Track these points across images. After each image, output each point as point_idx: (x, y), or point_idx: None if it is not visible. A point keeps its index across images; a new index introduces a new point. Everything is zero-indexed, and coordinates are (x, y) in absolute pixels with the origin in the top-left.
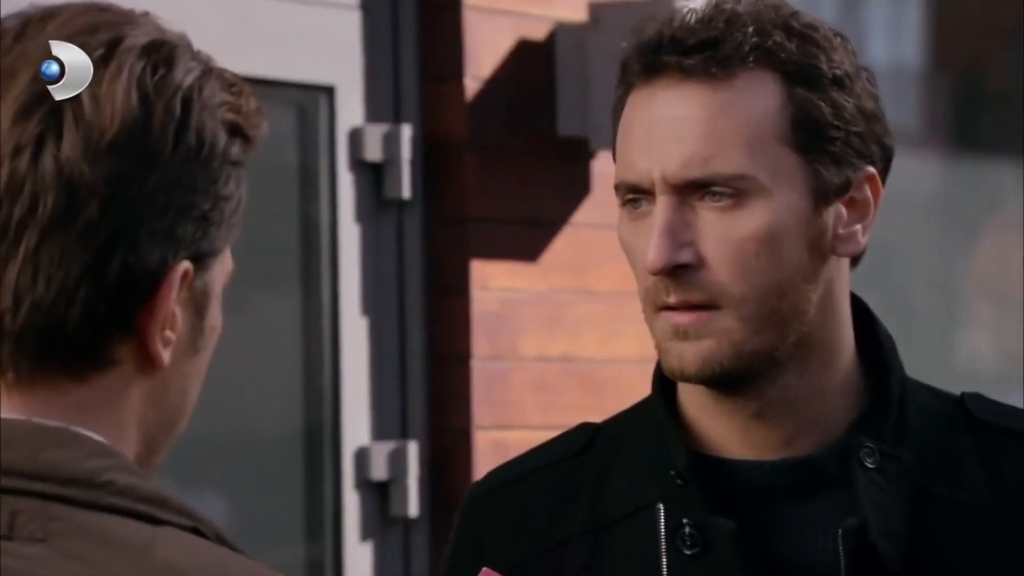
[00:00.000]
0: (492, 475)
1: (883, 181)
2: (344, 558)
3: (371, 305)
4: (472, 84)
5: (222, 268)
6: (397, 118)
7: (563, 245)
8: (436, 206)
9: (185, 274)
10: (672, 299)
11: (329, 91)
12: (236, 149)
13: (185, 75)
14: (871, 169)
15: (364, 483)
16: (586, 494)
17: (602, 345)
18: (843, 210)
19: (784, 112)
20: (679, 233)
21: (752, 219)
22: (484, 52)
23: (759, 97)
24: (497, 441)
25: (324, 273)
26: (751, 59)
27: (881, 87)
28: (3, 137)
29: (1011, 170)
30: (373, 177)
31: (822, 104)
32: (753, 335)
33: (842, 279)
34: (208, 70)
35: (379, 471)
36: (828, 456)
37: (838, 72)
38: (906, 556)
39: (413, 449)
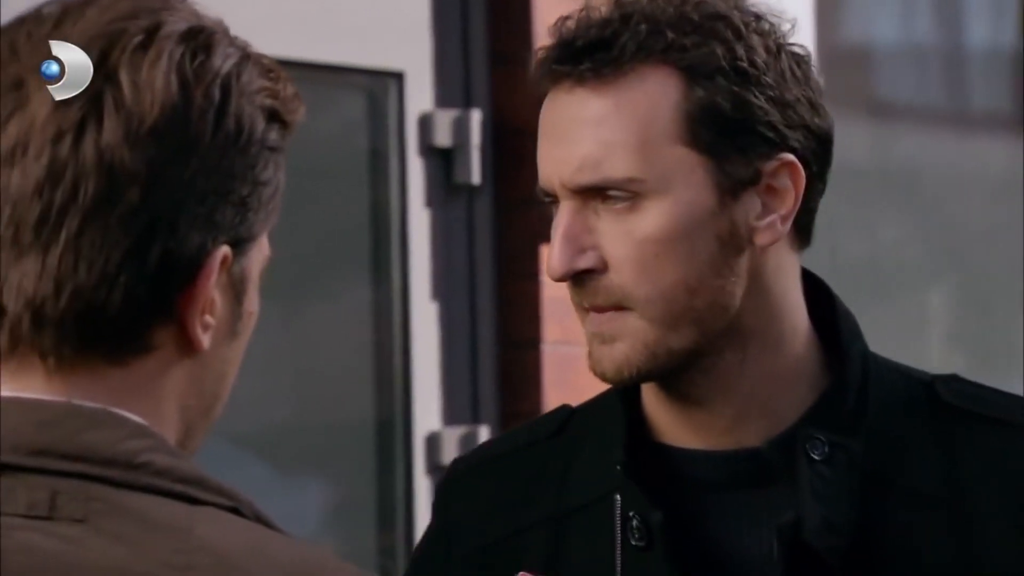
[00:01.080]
0: (470, 456)
1: (819, 164)
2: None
3: (441, 291)
4: None
5: (260, 253)
6: (467, 103)
7: None
8: (506, 191)
9: (224, 259)
10: (584, 303)
11: (399, 77)
12: (274, 135)
13: (224, 61)
14: (788, 156)
15: (435, 468)
16: (553, 480)
17: None
18: (758, 200)
19: (679, 110)
20: (580, 238)
21: (649, 220)
22: None
23: (649, 97)
24: None
25: (394, 259)
26: (643, 56)
27: (980, 69)
28: (44, 123)
29: None
30: (443, 162)
31: (721, 99)
32: (668, 334)
33: (776, 265)
34: (246, 56)
35: (450, 456)
36: (774, 448)
37: (741, 64)
38: (852, 547)
39: (484, 434)
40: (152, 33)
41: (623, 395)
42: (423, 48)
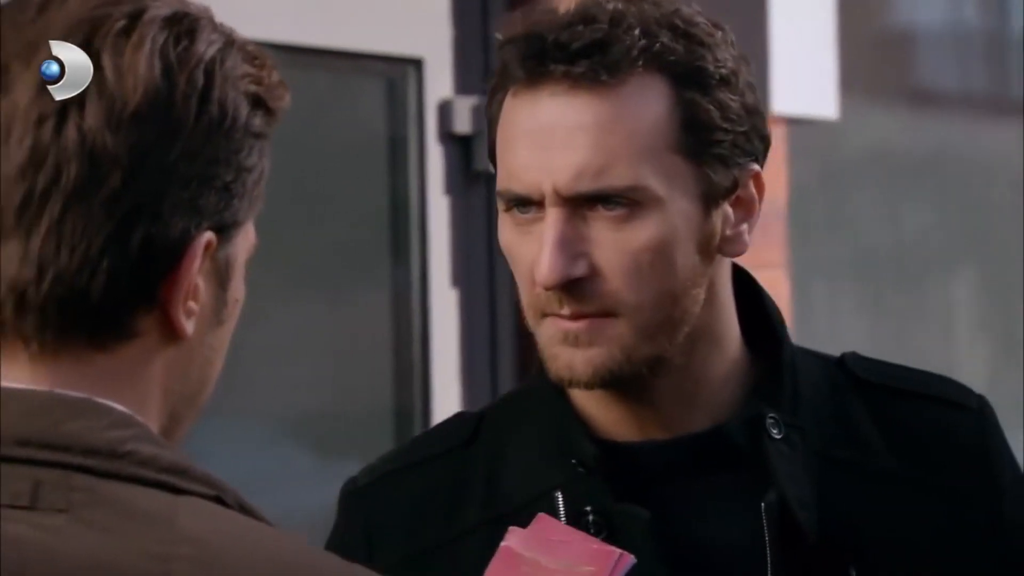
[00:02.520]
0: (372, 468)
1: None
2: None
3: (461, 278)
4: None
5: (245, 240)
6: (487, 90)
7: None
8: None
9: (208, 245)
10: (565, 310)
11: (418, 64)
12: (258, 121)
13: (208, 47)
14: (755, 167)
15: None
16: (479, 486)
17: None
18: (730, 211)
19: (672, 117)
20: (572, 245)
21: (646, 229)
22: None
23: (649, 103)
24: None
25: (414, 247)
26: (640, 63)
27: (1017, 54)
28: (27, 108)
29: None
30: (463, 150)
31: (710, 107)
32: (645, 341)
33: (724, 271)
34: (230, 42)
35: None
36: (733, 428)
37: (724, 71)
38: (819, 524)
39: None
40: (135, 18)
41: (555, 395)
42: (442, 35)
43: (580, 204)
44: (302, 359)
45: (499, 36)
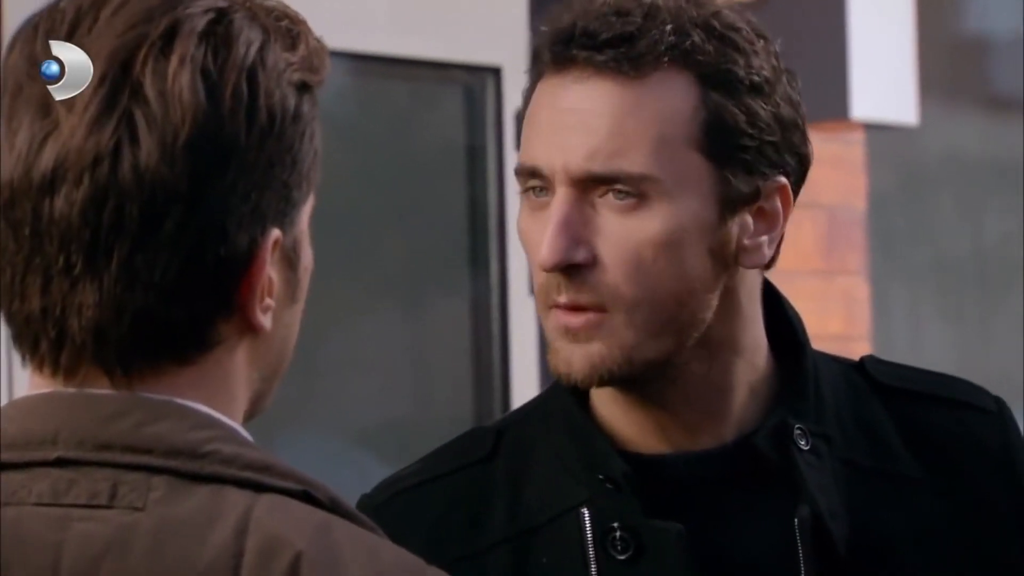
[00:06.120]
0: (388, 484)
1: (796, 192)
2: None
3: None
4: None
5: (306, 210)
6: None
7: None
8: None
9: (276, 241)
10: (562, 298)
11: (496, 72)
12: (307, 105)
13: (246, 50)
14: (783, 180)
15: None
16: (502, 501)
17: None
18: (749, 220)
19: (696, 116)
20: (576, 229)
21: (653, 222)
22: None
23: (671, 98)
24: None
25: (492, 253)
26: (666, 59)
27: None
28: (79, 148)
29: None
30: None
31: (736, 110)
32: (647, 341)
33: (749, 284)
34: (267, 34)
35: None
36: (760, 440)
37: (756, 78)
38: (850, 535)
39: None
40: (171, 37)
41: (576, 408)
42: (520, 43)
43: (590, 189)
44: (381, 368)
45: (542, 29)
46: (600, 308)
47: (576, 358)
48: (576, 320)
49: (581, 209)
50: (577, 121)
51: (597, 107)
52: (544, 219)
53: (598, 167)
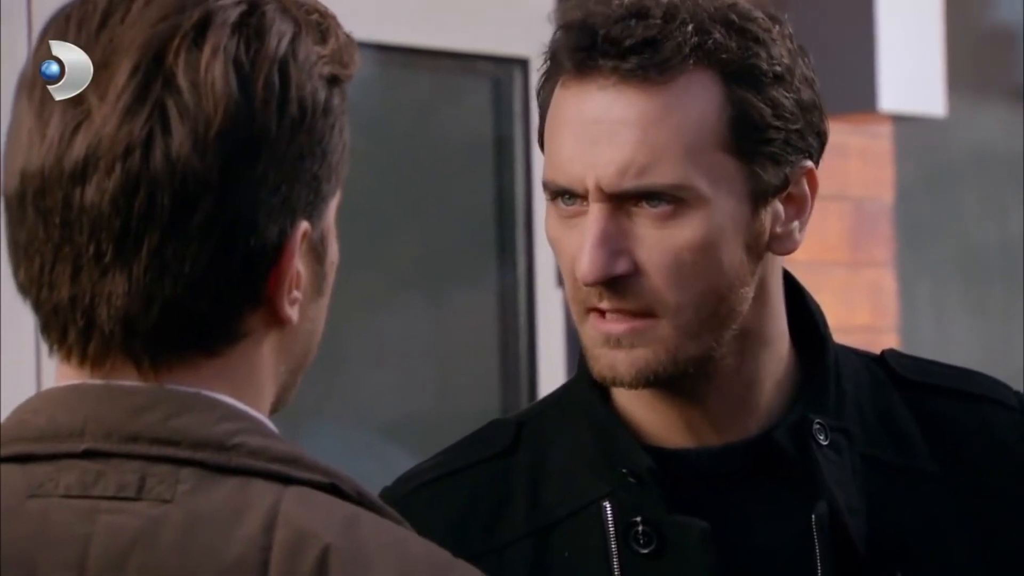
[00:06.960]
0: (409, 477)
1: (817, 166)
2: None
3: None
4: None
5: (334, 204)
6: None
7: None
8: None
9: (304, 234)
10: (605, 304)
11: (523, 63)
12: (336, 98)
13: (278, 42)
14: (808, 163)
15: None
16: (522, 495)
17: None
18: (780, 208)
19: (722, 115)
20: (614, 241)
21: (690, 228)
22: None
23: (697, 101)
24: None
25: (519, 246)
26: (691, 60)
27: None
28: (112, 136)
29: None
30: None
31: (761, 104)
32: (690, 341)
33: (776, 271)
34: (298, 26)
35: None
36: (782, 435)
37: (778, 68)
38: (869, 532)
39: None
40: (203, 28)
41: (600, 401)
42: (548, 35)
43: (624, 200)
44: (407, 360)
45: (555, 20)
46: (646, 314)
47: (620, 363)
48: (619, 327)
49: (617, 221)
50: (605, 133)
51: (625, 116)
52: (577, 229)
53: (630, 183)
